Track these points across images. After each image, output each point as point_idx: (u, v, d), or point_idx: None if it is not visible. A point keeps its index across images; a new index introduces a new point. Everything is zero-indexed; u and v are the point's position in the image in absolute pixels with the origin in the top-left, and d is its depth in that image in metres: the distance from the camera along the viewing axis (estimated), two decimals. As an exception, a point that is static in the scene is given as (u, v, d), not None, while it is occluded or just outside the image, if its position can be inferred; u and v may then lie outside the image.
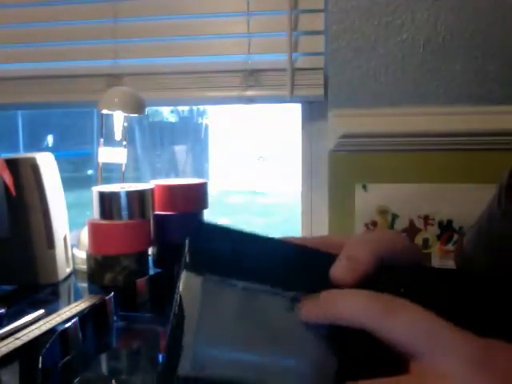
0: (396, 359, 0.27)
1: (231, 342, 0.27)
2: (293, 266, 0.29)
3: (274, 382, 0.26)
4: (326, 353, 0.27)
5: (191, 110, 3.78)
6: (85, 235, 0.90)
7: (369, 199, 0.95)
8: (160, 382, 0.27)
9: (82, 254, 0.89)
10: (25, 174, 0.80)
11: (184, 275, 0.27)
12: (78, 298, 0.74)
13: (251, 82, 1.00)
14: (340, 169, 0.96)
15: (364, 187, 0.95)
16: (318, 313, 0.27)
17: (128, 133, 0.95)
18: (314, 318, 0.27)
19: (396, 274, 0.29)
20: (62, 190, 0.89)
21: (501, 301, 0.30)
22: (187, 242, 0.28)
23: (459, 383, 0.25)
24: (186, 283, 0.27)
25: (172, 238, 0.88)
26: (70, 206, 0.92)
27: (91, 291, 0.79)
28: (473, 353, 0.25)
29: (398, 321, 0.26)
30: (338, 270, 0.28)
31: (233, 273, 0.27)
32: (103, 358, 0.58)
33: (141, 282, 0.73)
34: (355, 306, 0.26)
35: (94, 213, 0.82)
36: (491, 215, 0.53)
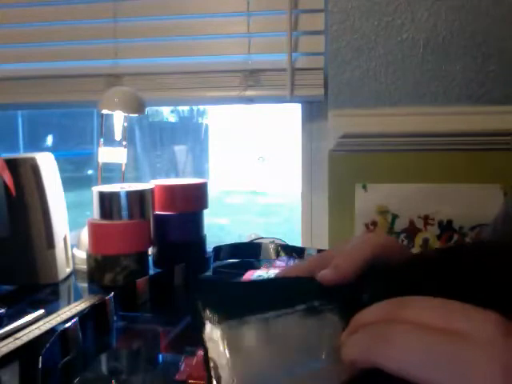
0: None
1: (267, 367, 0.29)
2: (290, 290, 0.33)
3: None
4: None
5: (191, 110, 3.77)
6: (85, 235, 0.90)
7: (369, 199, 0.95)
8: None
9: (82, 254, 0.89)
10: (25, 174, 0.79)
11: (205, 330, 0.31)
12: (77, 297, 0.74)
13: (251, 82, 1.00)
14: (340, 169, 0.96)
15: (364, 187, 0.95)
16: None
17: (128, 133, 0.95)
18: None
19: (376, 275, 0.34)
20: (62, 190, 0.89)
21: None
22: (196, 301, 0.32)
23: (494, 348, 0.25)
24: (209, 336, 0.30)
25: (172, 238, 0.88)
26: (69, 206, 0.91)
27: (91, 291, 0.79)
28: (498, 320, 0.26)
29: (407, 311, 0.28)
30: (324, 275, 0.34)
31: (244, 312, 0.31)
32: (103, 358, 0.58)
33: (141, 282, 0.73)
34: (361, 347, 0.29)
35: (94, 213, 0.82)
36: (506, 217, 0.53)
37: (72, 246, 0.91)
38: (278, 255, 0.92)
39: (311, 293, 0.33)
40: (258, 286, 0.35)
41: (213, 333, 0.30)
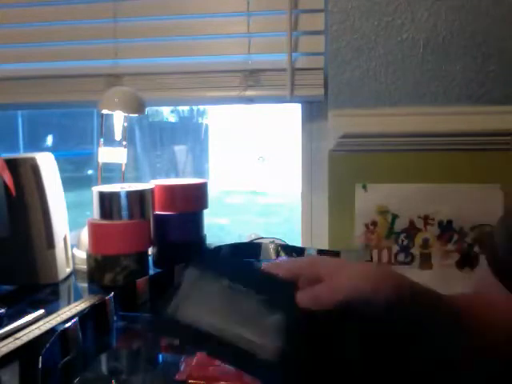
0: None
1: (209, 309, 0.36)
2: (265, 283, 0.38)
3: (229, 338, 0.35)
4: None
5: (191, 110, 3.78)
6: (85, 235, 0.90)
7: (369, 199, 0.95)
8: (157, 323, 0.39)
9: (82, 254, 0.89)
10: (25, 174, 0.80)
11: (189, 268, 0.39)
12: (77, 297, 0.74)
13: (251, 82, 1.00)
14: (340, 169, 0.96)
15: (364, 187, 0.95)
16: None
17: (128, 133, 0.95)
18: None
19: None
20: (62, 190, 0.89)
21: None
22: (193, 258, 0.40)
23: None
24: (189, 273, 0.39)
25: (172, 238, 0.88)
26: (69, 206, 0.91)
27: (91, 291, 0.79)
28: None
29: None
30: (302, 299, 0.36)
31: (223, 274, 0.38)
32: (103, 358, 0.58)
33: (141, 282, 0.73)
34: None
35: (94, 213, 0.82)
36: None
37: (72, 246, 0.91)
38: (278, 255, 0.92)
39: (280, 295, 0.37)
40: (244, 265, 0.42)
41: (191, 273, 0.38)
